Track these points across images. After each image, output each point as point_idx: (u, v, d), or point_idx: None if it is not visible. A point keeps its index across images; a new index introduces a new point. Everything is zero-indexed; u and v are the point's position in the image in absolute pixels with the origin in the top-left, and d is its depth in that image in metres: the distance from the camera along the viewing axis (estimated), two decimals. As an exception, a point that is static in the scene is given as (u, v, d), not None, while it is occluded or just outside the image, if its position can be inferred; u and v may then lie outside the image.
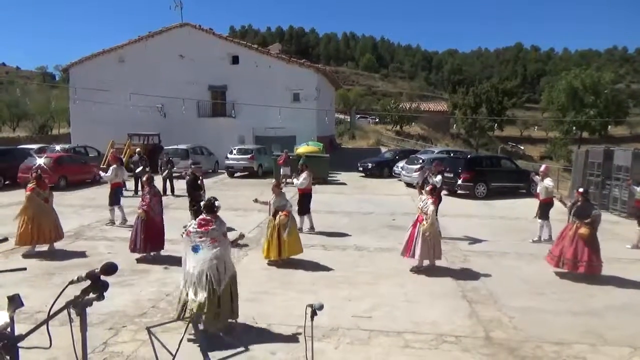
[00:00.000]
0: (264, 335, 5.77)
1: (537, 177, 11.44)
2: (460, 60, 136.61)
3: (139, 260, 8.87)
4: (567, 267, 8.09)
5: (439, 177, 11.19)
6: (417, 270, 8.46)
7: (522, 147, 61.34)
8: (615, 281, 8.01)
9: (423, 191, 9.08)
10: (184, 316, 5.58)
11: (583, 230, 7.98)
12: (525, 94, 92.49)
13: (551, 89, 50.80)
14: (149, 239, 8.86)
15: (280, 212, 8.73)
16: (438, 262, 8.62)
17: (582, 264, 7.94)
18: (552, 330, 6.05)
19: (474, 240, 10.88)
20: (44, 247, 9.50)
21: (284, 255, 8.66)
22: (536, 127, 71.02)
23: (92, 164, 21.42)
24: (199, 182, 11.38)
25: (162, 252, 9.21)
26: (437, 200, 8.57)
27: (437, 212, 8.97)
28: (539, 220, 10.96)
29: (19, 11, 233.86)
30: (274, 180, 9.05)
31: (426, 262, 8.50)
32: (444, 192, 18.49)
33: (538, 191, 11.22)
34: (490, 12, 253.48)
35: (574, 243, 8.03)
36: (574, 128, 45.82)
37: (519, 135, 68.36)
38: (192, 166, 11.91)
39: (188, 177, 11.49)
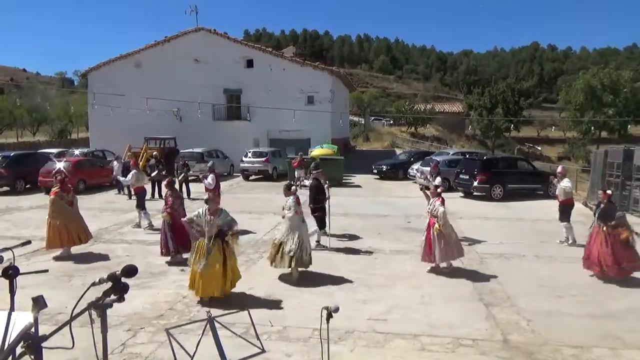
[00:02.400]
0: (280, 338, 5.80)
1: (555, 179, 11.32)
2: (476, 60, 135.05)
3: (170, 263, 8.98)
4: (612, 273, 7.86)
5: (439, 178, 11.17)
6: (436, 271, 8.43)
7: (539, 148, 60.45)
8: (635, 283, 7.86)
9: (429, 192, 9.05)
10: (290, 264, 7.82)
11: (625, 235, 7.81)
12: (542, 93, 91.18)
13: (569, 88, 49.88)
14: (180, 241, 8.96)
15: (229, 233, 7.05)
16: (454, 265, 8.56)
17: (626, 268, 7.82)
18: (571, 333, 5.96)
19: (490, 243, 10.78)
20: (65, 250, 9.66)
21: (228, 289, 6.94)
22: (554, 128, 69.94)
23: (110, 167, 21.77)
24: (327, 187, 10.75)
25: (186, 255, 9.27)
26: (444, 201, 8.54)
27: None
28: (564, 223, 10.81)
29: (39, 18, 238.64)
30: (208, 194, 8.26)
31: (444, 264, 8.47)
32: (460, 194, 18.46)
33: (557, 193, 11.10)
34: (505, 11, 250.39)
35: (610, 248, 7.84)
36: (593, 128, 44.99)
37: (536, 135, 67.37)
38: (314, 171, 11.27)
39: (311, 183, 11.03)
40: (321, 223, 10.56)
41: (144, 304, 6.88)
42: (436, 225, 8.25)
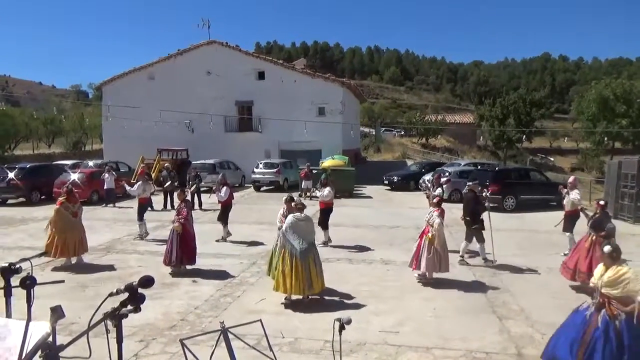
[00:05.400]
0: (291, 349, 5.79)
1: (564, 189, 11.20)
2: (487, 71, 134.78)
3: (173, 274, 9.03)
4: (580, 279, 7.89)
5: (439, 189, 11.11)
6: (425, 282, 8.43)
7: (552, 159, 59.99)
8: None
9: (430, 202, 9.08)
10: None
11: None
12: (554, 104, 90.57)
13: (581, 98, 49.49)
14: (184, 252, 9.03)
15: None
16: (466, 277, 8.51)
17: None
18: (587, 347, 5.86)
19: (503, 254, 10.66)
20: (79, 260, 9.77)
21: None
22: (566, 138, 69.48)
23: (123, 178, 21.99)
24: (484, 198, 10.56)
25: (190, 266, 9.32)
26: (443, 212, 8.55)
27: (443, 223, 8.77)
28: (567, 234, 10.73)
29: (55, 32, 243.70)
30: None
31: (435, 275, 8.42)
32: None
33: (564, 203, 11.03)
34: (516, 22, 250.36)
35: (589, 256, 7.85)
36: (606, 138, 44.56)
37: (549, 146, 66.94)
38: (470, 183, 10.89)
39: (466, 194, 10.58)
40: (481, 236, 10.01)
41: (156, 314, 6.92)
42: (429, 234, 8.27)
